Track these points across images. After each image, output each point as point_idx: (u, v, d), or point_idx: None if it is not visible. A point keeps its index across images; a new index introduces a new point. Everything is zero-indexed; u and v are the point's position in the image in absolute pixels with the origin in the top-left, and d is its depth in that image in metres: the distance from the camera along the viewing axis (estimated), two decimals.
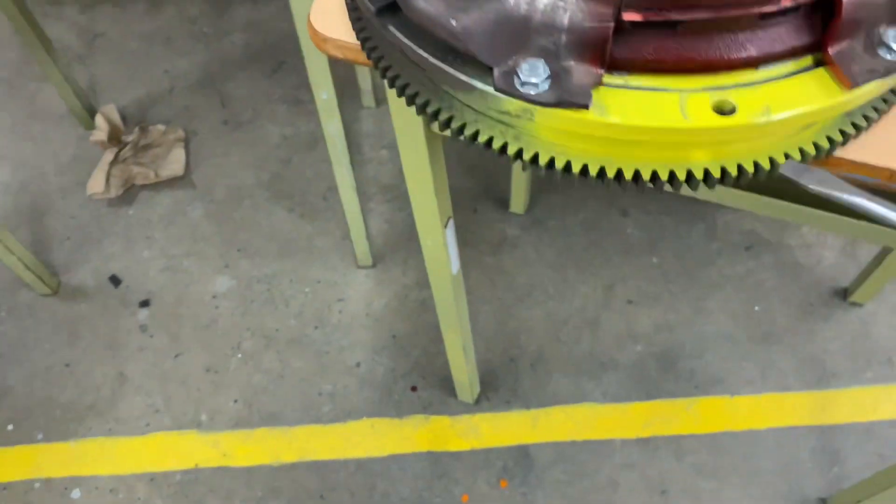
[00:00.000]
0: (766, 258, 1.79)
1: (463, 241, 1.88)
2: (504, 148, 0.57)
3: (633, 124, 0.50)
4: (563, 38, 0.49)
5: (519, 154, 0.56)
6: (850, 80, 0.49)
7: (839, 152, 0.58)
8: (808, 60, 0.52)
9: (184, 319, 1.79)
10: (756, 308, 1.73)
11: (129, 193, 1.99)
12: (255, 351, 1.73)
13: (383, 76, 0.61)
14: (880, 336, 1.67)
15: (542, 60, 0.50)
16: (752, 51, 0.50)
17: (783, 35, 0.50)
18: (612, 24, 0.48)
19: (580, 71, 0.50)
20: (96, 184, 1.93)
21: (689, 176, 0.54)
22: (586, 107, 0.49)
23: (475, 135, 0.57)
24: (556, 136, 0.55)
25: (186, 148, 2.05)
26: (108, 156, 1.97)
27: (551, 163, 0.56)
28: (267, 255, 1.86)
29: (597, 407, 1.63)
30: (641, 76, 0.51)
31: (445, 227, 1.04)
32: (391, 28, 0.55)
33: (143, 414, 1.67)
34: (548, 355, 1.70)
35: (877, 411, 1.59)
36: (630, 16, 0.47)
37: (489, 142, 0.57)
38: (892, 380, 1.62)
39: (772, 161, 0.54)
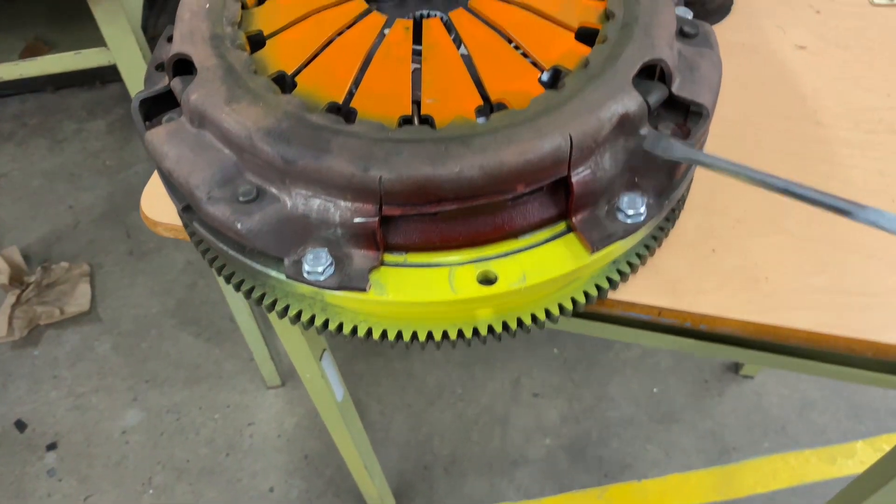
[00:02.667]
0: None
1: (372, 351, 1.92)
2: (312, 320, 0.62)
3: (408, 300, 0.56)
4: (339, 231, 0.55)
5: (325, 324, 0.61)
6: (591, 246, 0.56)
7: (613, 295, 0.65)
8: (562, 226, 0.59)
9: (93, 459, 1.76)
10: (654, 390, 1.80)
11: (34, 333, 1.98)
12: (166, 485, 1.71)
13: (204, 258, 0.66)
14: (772, 405, 1.75)
15: (326, 249, 0.56)
16: (506, 227, 0.57)
17: (533, 211, 0.57)
18: (376, 219, 0.54)
19: (359, 256, 0.56)
20: None
21: (476, 332, 0.60)
22: (364, 289, 0.55)
23: (286, 309, 0.62)
24: (356, 307, 0.60)
25: (92, 282, 2.06)
26: (11, 298, 1.97)
27: (354, 330, 0.61)
28: (175, 383, 1.87)
29: None
30: (417, 254, 0.58)
31: (321, 359, 1.09)
32: (195, 224, 0.61)
33: None
34: (461, 457, 1.73)
35: (777, 480, 1.65)
36: (390, 211, 0.54)
37: (298, 314, 0.62)
38: (786, 448, 1.69)
39: (547, 312, 0.60)
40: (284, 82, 0.61)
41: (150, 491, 1.71)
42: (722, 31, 0.85)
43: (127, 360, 1.92)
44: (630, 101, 0.56)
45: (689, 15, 0.69)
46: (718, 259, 0.66)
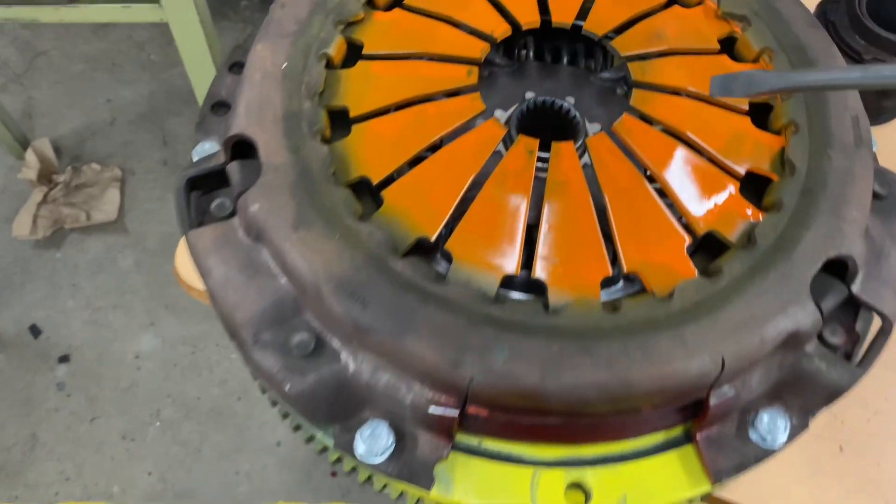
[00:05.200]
0: None
1: None
2: (369, 478, 0.52)
3: None
4: (408, 412, 0.45)
5: (384, 487, 0.52)
6: (713, 477, 0.45)
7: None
8: (678, 430, 0.48)
9: (103, 380, 1.72)
10: None
11: (58, 235, 1.90)
12: (174, 420, 1.68)
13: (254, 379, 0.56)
14: None
15: (387, 423, 0.45)
16: (611, 432, 0.46)
17: (648, 420, 0.46)
18: (456, 414, 0.43)
19: (426, 441, 0.46)
20: (22, 226, 1.84)
21: None
22: (427, 488, 0.45)
23: (338, 460, 0.53)
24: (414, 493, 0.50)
25: (122, 189, 1.97)
26: (37, 195, 1.89)
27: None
28: (195, 313, 1.80)
29: None
30: (496, 440, 0.47)
31: None
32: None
33: (53, 481, 1.61)
34: None
35: None
36: (476, 411, 0.43)
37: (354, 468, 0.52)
38: None
39: None
40: (368, 193, 0.49)
41: (157, 423, 1.68)
42: (892, 135, 0.71)
43: (148, 280, 1.85)
44: (803, 316, 0.43)
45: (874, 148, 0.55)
46: (846, 461, 0.55)
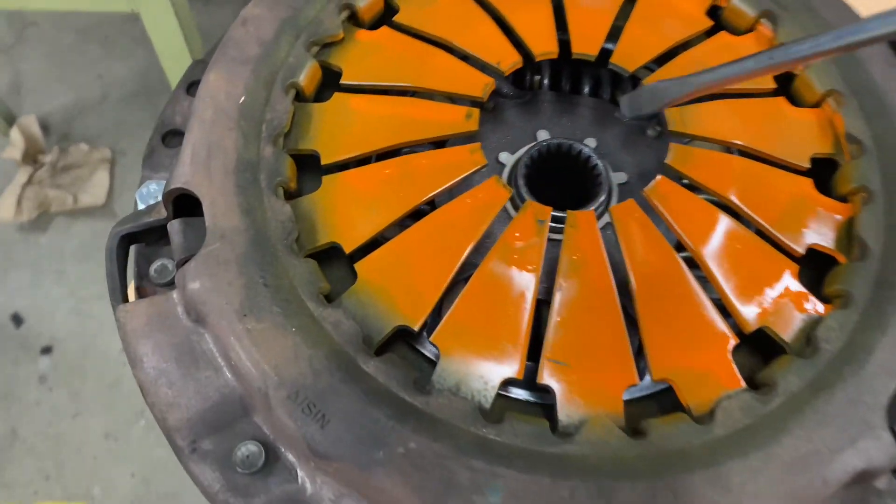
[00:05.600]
0: None
1: None
2: None
3: None
4: None
5: None
6: None
7: None
8: None
9: (87, 374, 1.65)
10: None
11: (43, 219, 1.82)
12: None
13: None
14: None
15: None
16: None
17: None
18: None
19: None
20: (5, 208, 1.76)
21: None
22: None
23: None
24: None
25: (112, 171, 1.88)
26: (22, 176, 1.80)
27: None
28: None
29: None
30: None
31: None
32: None
33: (32, 480, 1.55)
34: None
35: None
36: None
37: None
38: None
39: None
40: (338, 265, 0.39)
41: (142, 422, 1.61)
42: None
43: None
44: (877, 451, 0.34)
45: None
46: None
